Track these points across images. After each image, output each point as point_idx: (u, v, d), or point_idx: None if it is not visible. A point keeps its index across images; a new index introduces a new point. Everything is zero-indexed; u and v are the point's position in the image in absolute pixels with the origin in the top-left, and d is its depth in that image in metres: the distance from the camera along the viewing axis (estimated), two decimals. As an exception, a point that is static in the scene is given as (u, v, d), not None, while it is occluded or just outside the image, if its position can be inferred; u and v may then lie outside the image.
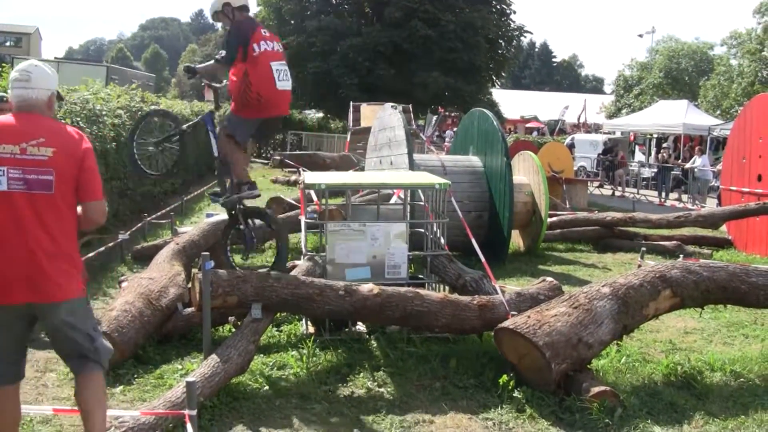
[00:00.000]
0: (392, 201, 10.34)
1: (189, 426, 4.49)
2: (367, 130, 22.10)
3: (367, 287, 6.43)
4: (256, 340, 5.97)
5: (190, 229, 12.02)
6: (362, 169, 18.06)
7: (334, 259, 7.29)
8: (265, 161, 31.10)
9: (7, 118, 4.12)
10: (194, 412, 4.60)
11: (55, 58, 61.52)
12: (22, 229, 3.93)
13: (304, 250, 7.75)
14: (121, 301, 6.62)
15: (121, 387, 5.85)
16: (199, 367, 5.51)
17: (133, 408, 5.35)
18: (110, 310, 6.53)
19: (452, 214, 8.32)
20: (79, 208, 4.19)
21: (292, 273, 6.83)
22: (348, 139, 22.92)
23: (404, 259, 7.47)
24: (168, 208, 14.58)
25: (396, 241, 7.43)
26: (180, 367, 6.24)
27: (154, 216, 13.55)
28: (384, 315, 6.47)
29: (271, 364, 6.38)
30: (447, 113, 39.40)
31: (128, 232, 11.03)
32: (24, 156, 3.97)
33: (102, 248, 10.16)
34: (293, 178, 22.17)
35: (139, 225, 12.57)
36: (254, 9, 44.40)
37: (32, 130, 4.04)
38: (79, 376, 4.20)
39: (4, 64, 10.39)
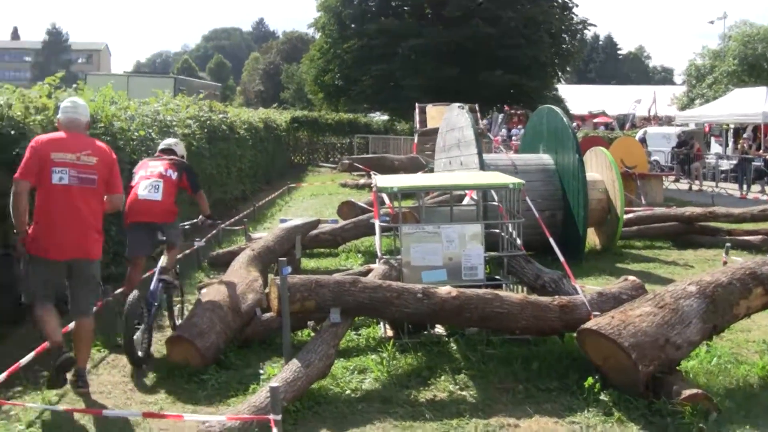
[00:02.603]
0: (464, 202, 10.25)
1: (275, 430, 4.48)
2: (434, 131, 22.00)
3: (444, 289, 6.36)
4: (336, 344, 5.96)
5: (263, 235, 12.14)
6: (431, 170, 17.98)
7: (410, 261, 7.24)
8: (333, 165, 31.19)
9: (61, 134, 5.96)
10: (279, 417, 4.60)
11: (125, 72, 62.99)
12: (75, 210, 5.73)
13: (379, 253, 7.73)
14: (201, 307, 6.70)
15: (205, 392, 5.91)
16: (281, 372, 5.51)
17: (217, 413, 5.38)
18: (191, 316, 6.63)
19: (525, 213, 8.19)
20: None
21: (369, 276, 6.79)
22: (415, 141, 22.82)
23: (481, 260, 7.38)
24: (241, 215, 14.73)
25: (471, 242, 7.34)
26: (261, 372, 6.26)
27: (227, 222, 13.72)
28: (463, 317, 6.39)
29: (351, 368, 6.35)
30: (513, 111, 38.96)
31: (203, 239, 11.17)
32: (78, 162, 5.80)
33: (179, 255, 10.29)
34: (362, 181, 22.21)
35: (214, 232, 12.72)
36: (314, 14, 44.64)
37: (82, 145, 5.91)
38: (81, 319, 5.92)
39: (79, 81, 10.62)
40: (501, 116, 37.70)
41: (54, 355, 5.57)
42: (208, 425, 4.72)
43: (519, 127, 34.59)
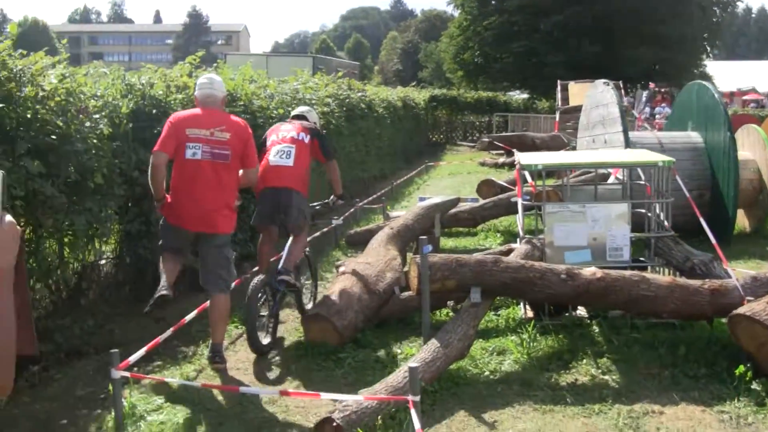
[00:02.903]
0: (610, 181, 9.89)
1: (413, 411, 4.43)
2: (577, 108, 21.46)
3: (589, 271, 6.14)
4: (475, 324, 5.87)
5: (401, 214, 12.14)
6: (573, 148, 17.53)
7: (553, 241, 7.03)
8: (472, 144, 30.91)
9: (197, 110, 6.08)
10: (417, 398, 4.53)
11: (264, 52, 64.43)
12: (206, 184, 5.81)
13: (521, 233, 7.54)
14: (339, 285, 6.72)
15: (341, 371, 5.93)
16: (420, 352, 5.47)
17: (354, 392, 5.40)
18: (330, 294, 6.65)
19: (672, 193, 7.80)
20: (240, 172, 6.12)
21: (510, 257, 6.65)
22: (557, 119, 22.28)
23: (626, 241, 7.07)
24: (379, 193, 14.78)
25: (617, 222, 7.05)
26: (399, 351, 6.25)
27: (365, 201, 13.78)
28: (608, 300, 6.15)
29: (490, 349, 6.24)
30: (657, 89, 37.46)
31: (341, 218, 11.26)
32: (211, 137, 5.86)
33: (317, 233, 10.43)
34: (501, 160, 21.90)
35: (351, 210, 12.81)
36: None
37: (217, 120, 5.95)
38: (214, 296, 5.99)
39: (219, 61, 10.90)
40: (645, 93, 36.28)
41: (158, 289, 5.80)
42: (344, 405, 4.69)
43: (663, 105, 33.12)
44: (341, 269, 7.34)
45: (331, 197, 7.41)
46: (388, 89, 25.91)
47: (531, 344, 6.22)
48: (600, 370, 5.82)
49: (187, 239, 6.06)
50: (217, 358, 5.95)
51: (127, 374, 4.89)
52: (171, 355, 6.35)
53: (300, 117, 7.38)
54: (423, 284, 5.85)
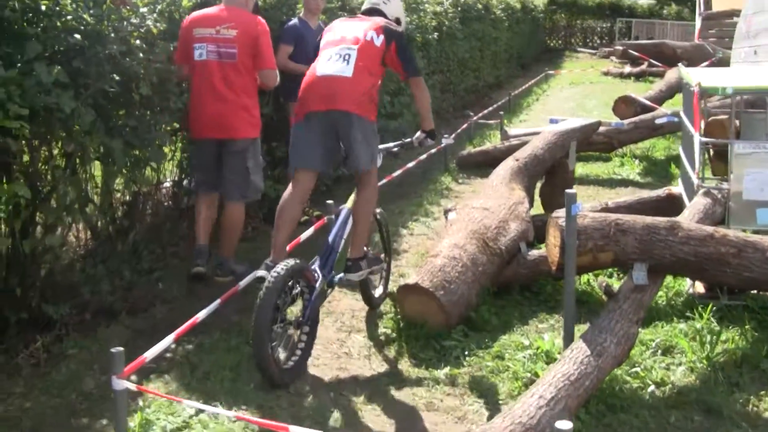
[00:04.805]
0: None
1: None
2: (724, 14, 18.89)
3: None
4: (640, 318, 4.12)
5: (521, 132, 10.41)
6: (719, 60, 15.31)
7: (741, 193, 5.14)
8: (593, 51, 28.57)
9: (213, 9, 5.49)
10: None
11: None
12: (214, 86, 5.30)
13: (696, 180, 5.58)
14: (448, 243, 5.04)
15: (446, 368, 4.31)
16: (560, 363, 3.71)
17: (463, 403, 3.88)
18: (433, 256, 4.96)
19: None
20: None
21: (686, 215, 4.83)
22: (698, 26, 19.67)
23: None
24: (494, 106, 13.01)
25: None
26: (526, 341, 4.58)
27: (479, 115, 12.08)
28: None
29: (652, 344, 4.50)
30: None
31: (452, 135, 9.57)
32: (217, 35, 5.31)
33: (423, 156, 8.81)
34: (626, 69, 19.83)
35: (464, 126, 11.15)
36: None
37: (226, 18, 5.36)
38: (226, 203, 5.45)
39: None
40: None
41: (193, 257, 5.33)
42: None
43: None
44: (450, 215, 5.71)
45: (417, 134, 5.06)
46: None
47: (710, 339, 4.47)
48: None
49: (212, 156, 5.43)
50: (219, 271, 5.39)
51: (132, 386, 3.43)
52: (211, 334, 4.74)
53: (372, 12, 5.05)
54: (568, 257, 4.09)
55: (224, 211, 5.49)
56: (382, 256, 5.14)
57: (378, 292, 5.20)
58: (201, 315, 4.30)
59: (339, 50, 4.63)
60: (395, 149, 5.24)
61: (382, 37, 4.69)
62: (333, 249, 4.60)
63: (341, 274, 4.61)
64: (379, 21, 4.82)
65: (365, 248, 4.73)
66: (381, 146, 4.97)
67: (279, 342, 4.12)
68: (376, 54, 4.66)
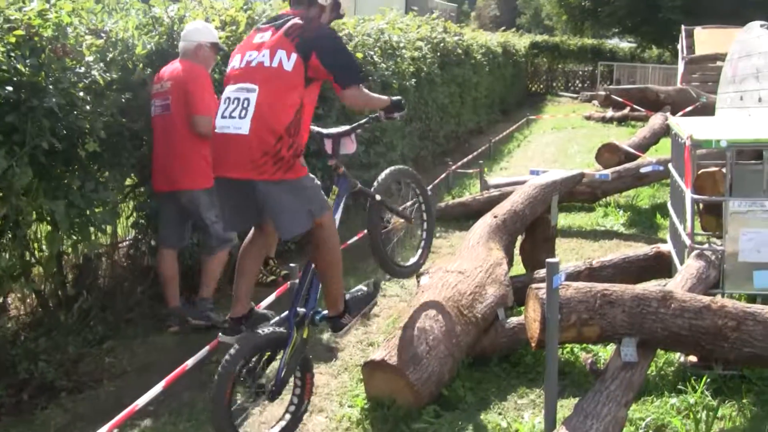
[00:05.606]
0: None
1: None
2: (707, 58, 18.73)
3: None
4: (629, 401, 3.69)
5: (501, 181, 10.06)
6: (704, 105, 15.10)
7: (736, 255, 4.75)
8: (574, 95, 28.55)
9: (169, 64, 5.51)
10: None
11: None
12: (159, 140, 5.38)
13: (688, 240, 5.15)
14: (418, 313, 4.58)
15: (418, 456, 3.87)
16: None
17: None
18: (402, 328, 4.49)
19: None
20: None
21: (677, 281, 4.42)
22: (681, 70, 19.52)
23: None
24: (475, 153, 12.69)
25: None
26: (504, 423, 4.10)
27: (459, 164, 11.74)
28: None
29: (642, 425, 4.06)
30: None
31: (430, 186, 9.19)
32: (161, 90, 5.37)
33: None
34: (608, 114, 19.69)
35: (442, 176, 10.79)
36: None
37: (167, 70, 5.42)
38: (201, 254, 5.60)
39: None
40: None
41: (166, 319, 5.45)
42: None
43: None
44: (423, 280, 5.28)
45: (378, 112, 4.36)
46: (487, 33, 23.65)
47: (705, 418, 4.03)
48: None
49: (174, 213, 5.47)
50: (192, 313, 5.53)
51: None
52: (158, 417, 4.28)
53: (300, 2, 4.04)
54: (549, 333, 3.67)
55: (204, 263, 5.57)
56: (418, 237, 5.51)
57: (412, 260, 5.28)
58: (141, 402, 3.83)
59: (237, 91, 3.73)
60: (367, 125, 4.52)
61: (294, 56, 3.70)
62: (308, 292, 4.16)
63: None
64: (293, 28, 3.77)
65: (344, 295, 4.23)
66: (347, 127, 4.40)
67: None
68: (290, 80, 3.70)
